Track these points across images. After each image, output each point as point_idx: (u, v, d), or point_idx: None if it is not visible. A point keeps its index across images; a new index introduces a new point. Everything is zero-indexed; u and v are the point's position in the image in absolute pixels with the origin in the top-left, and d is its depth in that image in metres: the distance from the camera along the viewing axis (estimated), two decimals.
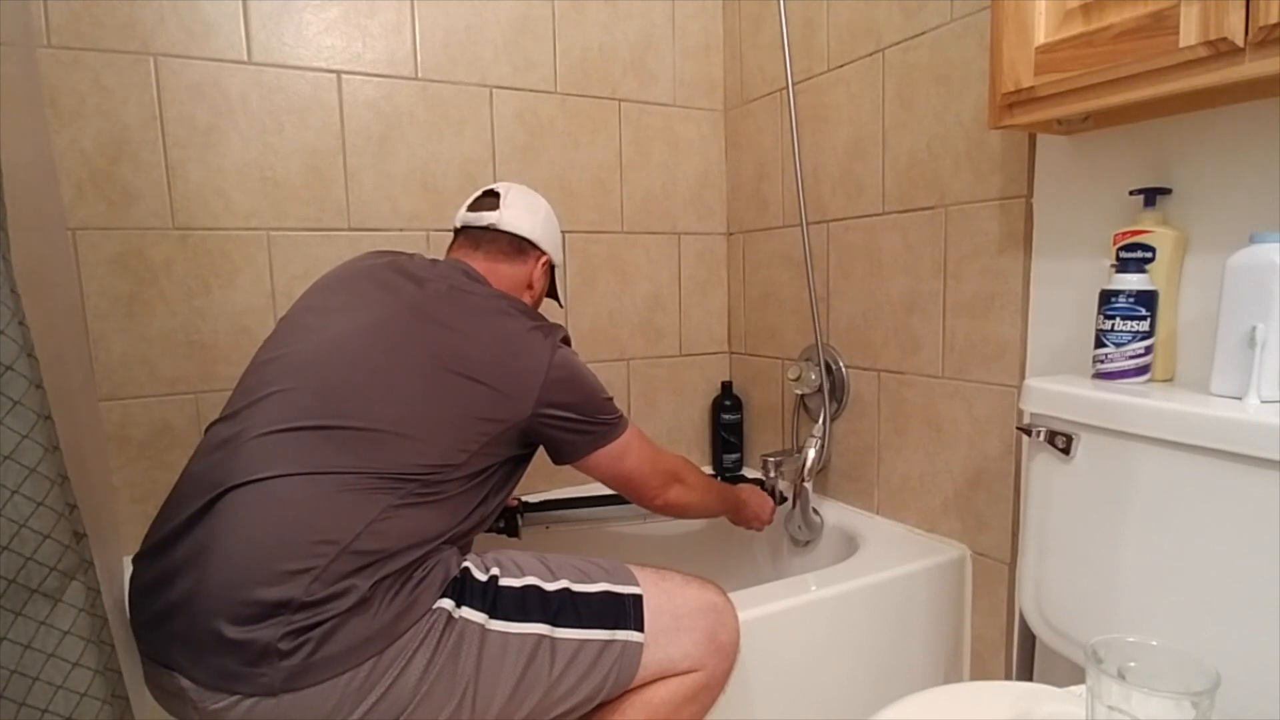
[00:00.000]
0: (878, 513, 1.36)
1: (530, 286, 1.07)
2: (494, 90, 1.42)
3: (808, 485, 1.39)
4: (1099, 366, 0.88)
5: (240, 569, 0.72)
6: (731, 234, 1.70)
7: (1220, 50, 0.68)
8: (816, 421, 1.42)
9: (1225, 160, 0.84)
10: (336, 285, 0.96)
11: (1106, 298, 0.87)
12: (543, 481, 1.53)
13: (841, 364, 1.40)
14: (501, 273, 1.03)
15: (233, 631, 0.70)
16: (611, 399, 0.99)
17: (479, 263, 1.03)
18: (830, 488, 1.47)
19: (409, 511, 0.79)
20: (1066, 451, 0.85)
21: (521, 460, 0.95)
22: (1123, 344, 0.86)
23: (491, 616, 0.80)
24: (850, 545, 1.29)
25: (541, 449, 0.97)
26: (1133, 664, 0.60)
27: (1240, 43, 0.67)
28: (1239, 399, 0.74)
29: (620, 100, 1.55)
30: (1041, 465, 0.89)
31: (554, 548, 1.16)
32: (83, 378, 0.75)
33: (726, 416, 1.67)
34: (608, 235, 1.57)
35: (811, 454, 1.38)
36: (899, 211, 1.26)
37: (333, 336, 0.87)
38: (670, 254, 1.65)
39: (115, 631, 0.65)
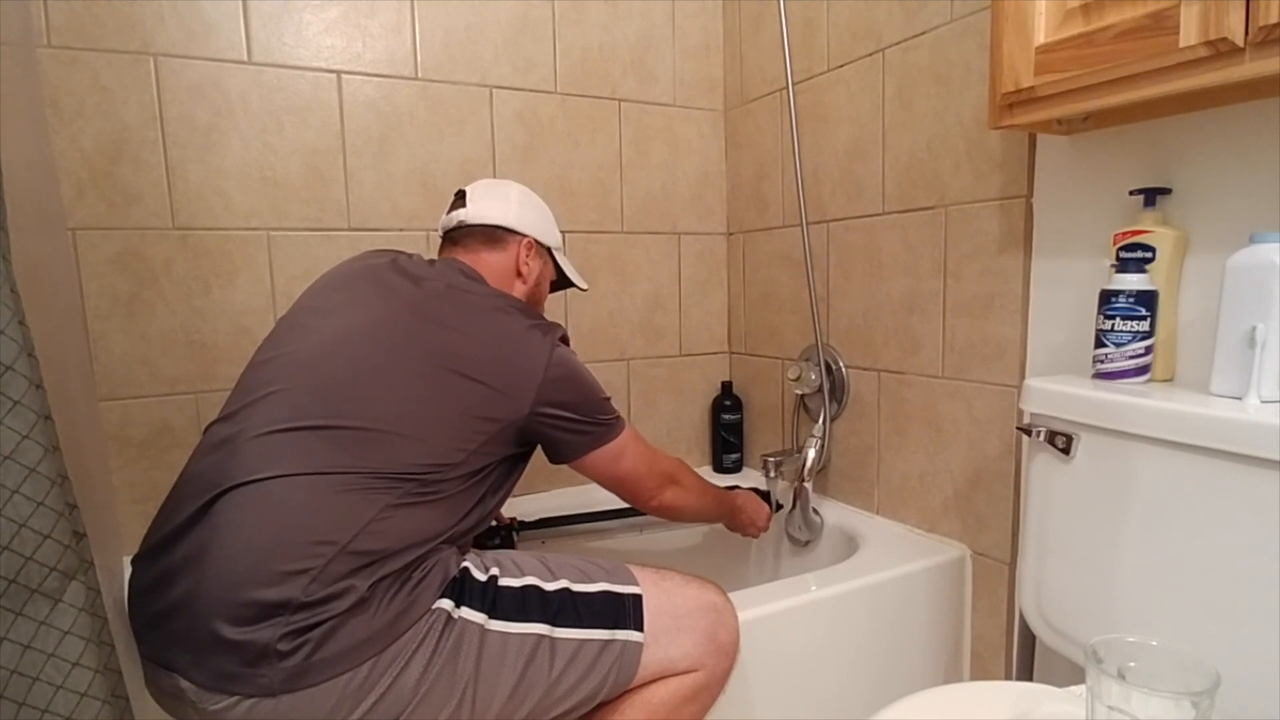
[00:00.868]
0: (878, 513, 1.36)
1: (519, 273, 1.06)
2: (494, 90, 1.42)
3: (808, 485, 1.39)
4: (1099, 366, 0.88)
5: (238, 570, 0.72)
6: (731, 234, 1.70)
7: (1220, 50, 0.68)
8: (816, 421, 1.42)
9: (1225, 160, 0.84)
10: (335, 285, 0.96)
11: (1106, 298, 0.87)
12: (543, 482, 1.53)
13: (841, 364, 1.40)
14: (487, 262, 1.03)
15: (231, 632, 0.70)
16: (609, 399, 0.98)
17: (466, 258, 1.03)
18: (830, 488, 1.47)
19: (407, 511, 0.79)
20: (1066, 451, 0.85)
21: (519, 460, 0.95)
22: (1123, 344, 0.86)
23: (491, 616, 0.80)
24: (850, 545, 1.29)
25: (539, 450, 0.96)
26: (1133, 664, 0.60)
27: (1240, 43, 0.67)
28: (1239, 399, 0.74)
29: (620, 100, 1.55)
30: (1041, 465, 0.89)
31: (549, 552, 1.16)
32: (83, 378, 0.75)
33: (726, 416, 1.67)
34: (608, 235, 1.57)
35: (811, 454, 1.38)
36: (899, 211, 1.26)
37: (331, 336, 0.87)
38: (670, 254, 1.65)
39: (115, 631, 0.65)
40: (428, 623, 0.76)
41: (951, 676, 1.20)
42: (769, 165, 1.56)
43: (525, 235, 1.06)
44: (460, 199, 1.07)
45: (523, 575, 0.85)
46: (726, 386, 1.69)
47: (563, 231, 1.51)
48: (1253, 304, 0.73)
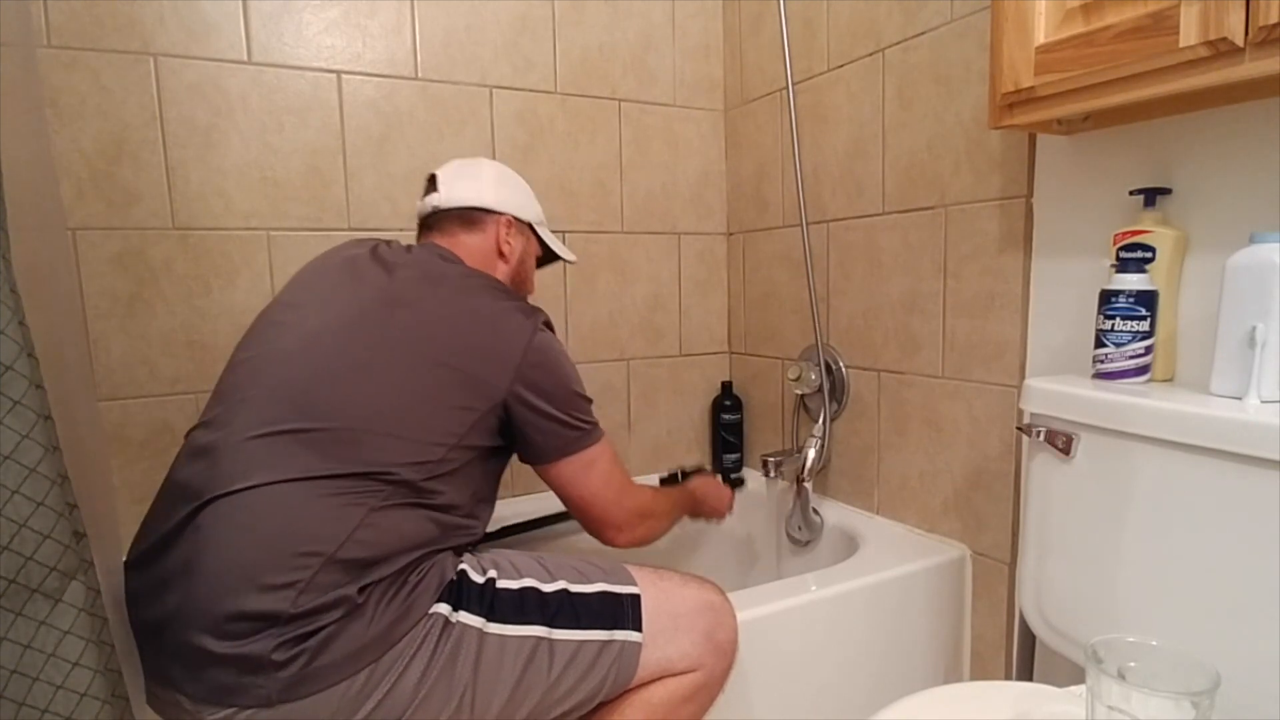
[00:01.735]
0: (878, 513, 1.36)
1: (501, 253, 1.03)
2: (494, 90, 1.42)
3: (808, 485, 1.39)
4: (1099, 366, 0.88)
5: (222, 585, 0.71)
6: (731, 234, 1.70)
7: (1220, 50, 0.68)
8: (816, 421, 1.42)
9: (1225, 160, 0.84)
10: (310, 280, 0.94)
11: (1106, 298, 0.87)
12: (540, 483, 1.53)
13: (841, 364, 1.40)
14: (466, 244, 1.00)
15: (219, 647, 0.69)
16: (590, 402, 0.95)
17: (444, 242, 1.00)
18: (830, 488, 1.47)
19: (393, 514, 0.78)
20: (1066, 451, 0.85)
21: (503, 454, 0.92)
22: (1123, 344, 0.86)
23: (489, 619, 0.79)
24: (850, 545, 1.29)
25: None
26: (1133, 664, 0.60)
27: (1240, 43, 0.67)
28: (1239, 399, 0.74)
29: (620, 100, 1.55)
30: (1041, 465, 0.89)
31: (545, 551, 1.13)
32: (83, 378, 0.75)
33: (726, 416, 1.67)
34: (608, 235, 1.57)
35: (811, 454, 1.38)
36: (899, 211, 1.26)
37: (304, 335, 0.85)
38: (670, 254, 1.65)
39: (115, 631, 0.65)
40: (424, 628, 0.76)
41: (951, 676, 1.20)
42: (769, 165, 1.56)
43: (503, 213, 1.03)
44: (432, 183, 1.04)
45: (521, 577, 0.84)
46: (726, 386, 1.69)
47: (563, 231, 1.51)
48: (1253, 304, 0.73)
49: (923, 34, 1.18)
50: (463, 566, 0.82)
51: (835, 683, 1.09)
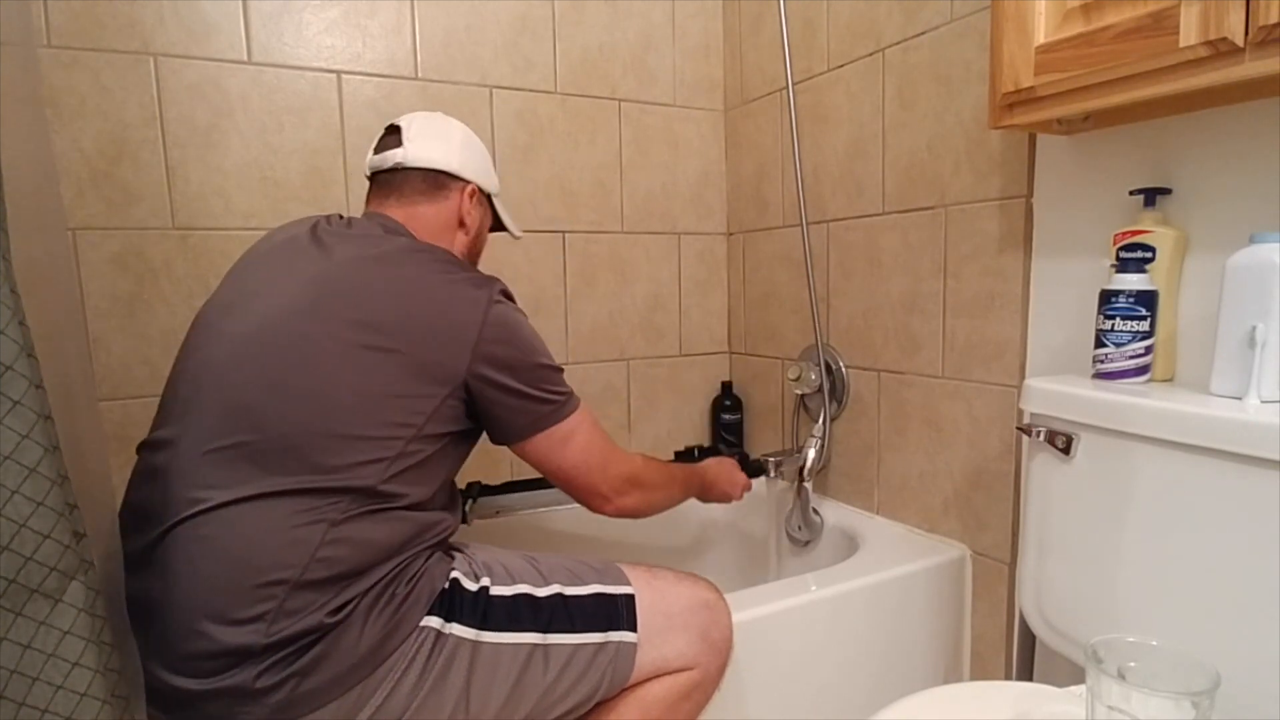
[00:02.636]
0: (878, 513, 1.36)
1: (462, 224, 0.96)
2: (494, 90, 1.42)
3: (808, 485, 1.39)
4: (1099, 366, 0.88)
5: (187, 624, 0.70)
6: (731, 234, 1.70)
7: (1220, 50, 0.68)
8: (816, 421, 1.42)
9: (1225, 160, 0.84)
10: (246, 270, 0.89)
11: (1106, 298, 0.87)
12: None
13: (841, 364, 1.40)
14: (423, 216, 0.93)
15: (196, 685, 0.69)
16: (560, 371, 0.89)
17: (396, 210, 0.93)
18: (830, 488, 1.47)
19: (359, 524, 0.74)
20: (1066, 451, 0.85)
21: (467, 436, 0.86)
22: (1123, 344, 0.86)
23: (483, 629, 0.79)
24: (850, 545, 1.29)
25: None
26: (1133, 664, 0.60)
27: (1240, 43, 0.67)
28: (1239, 399, 0.74)
29: (620, 100, 1.55)
30: (1041, 465, 0.89)
31: (537, 545, 1.12)
32: (83, 378, 0.74)
33: (726, 416, 1.67)
34: (608, 235, 1.57)
35: (811, 454, 1.38)
36: (899, 211, 1.26)
37: (240, 337, 0.79)
38: (670, 254, 1.65)
39: (115, 631, 0.65)
40: (415, 642, 0.75)
41: (951, 676, 1.20)
42: (769, 165, 1.56)
43: (469, 181, 0.97)
44: (395, 135, 0.95)
45: (515, 583, 0.83)
46: (726, 386, 1.69)
47: (563, 231, 1.51)
48: (1253, 304, 0.73)
49: (923, 34, 1.18)
50: (455, 575, 0.81)
51: (835, 683, 1.09)
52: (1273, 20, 0.64)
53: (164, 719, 0.72)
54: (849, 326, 1.38)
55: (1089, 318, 0.93)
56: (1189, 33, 0.69)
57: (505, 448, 0.89)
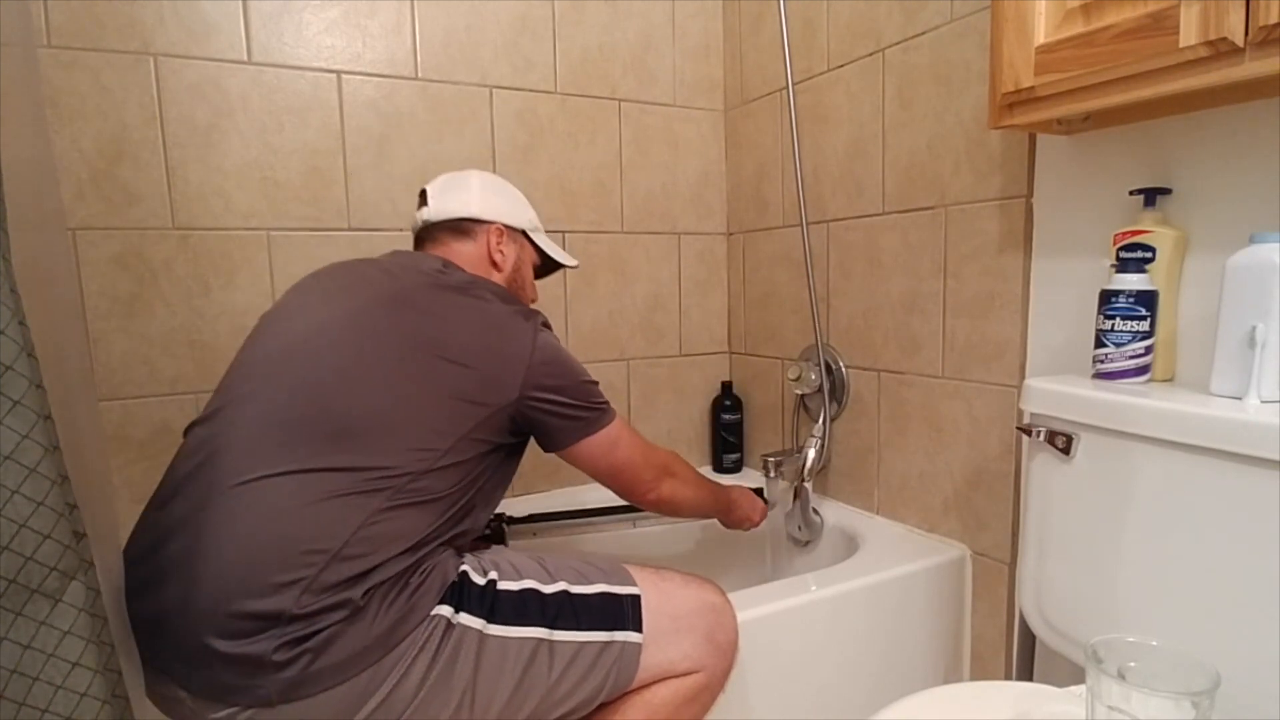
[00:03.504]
0: (878, 513, 1.36)
1: (494, 262, 1.04)
2: (494, 90, 1.42)
3: (808, 485, 1.39)
4: (1099, 366, 0.88)
5: (228, 582, 0.71)
6: (731, 234, 1.70)
7: (1220, 50, 0.68)
8: (816, 421, 1.42)
9: (1225, 160, 0.84)
10: (312, 284, 0.95)
11: (1106, 298, 0.87)
12: (543, 481, 1.53)
13: (841, 364, 1.40)
14: (461, 253, 1.02)
15: (224, 646, 0.69)
16: (597, 384, 0.97)
17: (438, 251, 1.02)
18: (830, 488, 1.47)
19: (397, 513, 0.77)
20: (1066, 451, 0.85)
21: (513, 451, 0.93)
22: (1123, 344, 0.86)
23: (490, 621, 0.79)
24: (850, 545, 1.29)
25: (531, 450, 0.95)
26: (1133, 664, 0.60)
27: (1240, 43, 0.67)
28: (1239, 399, 0.74)
29: (620, 100, 1.55)
30: (1041, 465, 0.89)
31: (546, 551, 1.14)
32: (83, 378, 0.74)
33: (726, 416, 1.67)
34: (608, 235, 1.57)
35: (811, 454, 1.38)
36: (899, 211, 1.26)
37: (307, 330, 0.86)
38: (670, 254, 1.65)
39: (115, 631, 0.65)
40: (426, 630, 0.76)
41: (951, 676, 1.20)
42: (769, 165, 1.56)
43: (493, 222, 1.04)
44: (423, 198, 1.06)
45: (521, 578, 0.84)
46: (726, 386, 1.69)
47: (563, 231, 1.51)
48: (1253, 304, 0.73)
49: (923, 34, 1.18)
50: (464, 568, 0.82)
51: (835, 683, 1.09)
52: (1273, 20, 0.64)
53: (173, 690, 0.73)
54: (849, 326, 1.38)
55: (1089, 318, 0.93)
56: (1189, 33, 0.69)
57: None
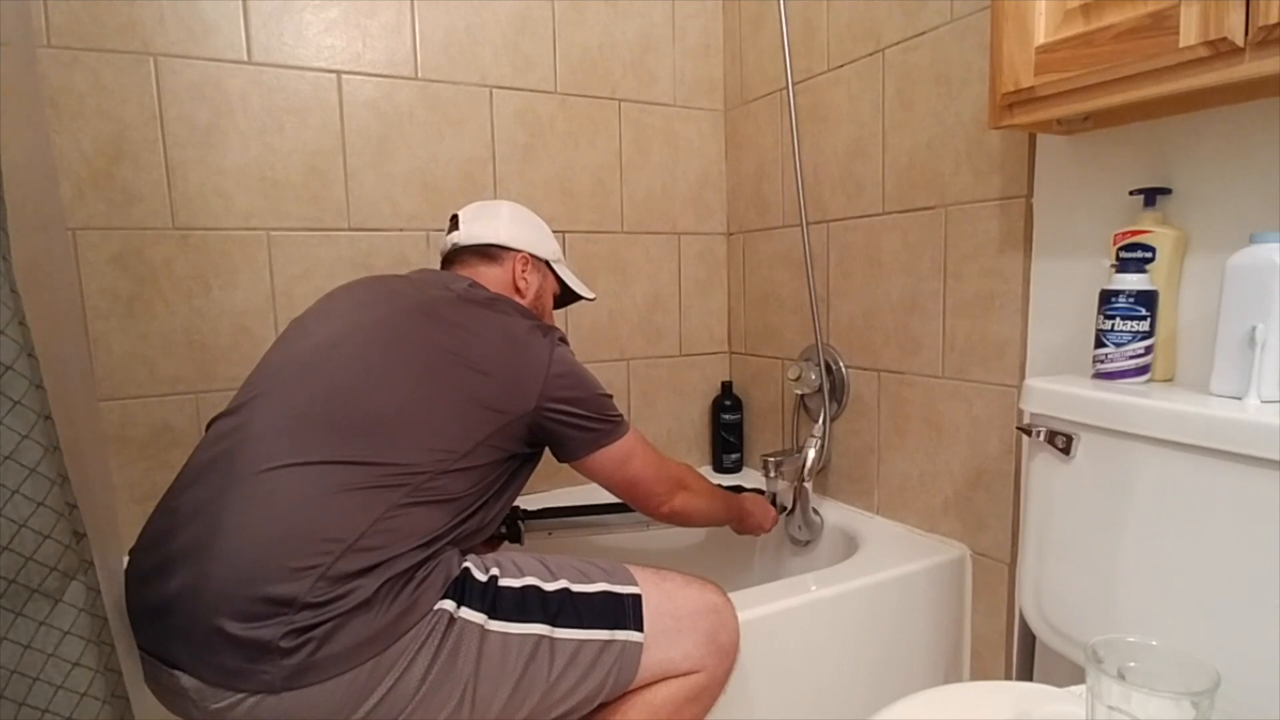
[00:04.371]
0: (878, 513, 1.36)
1: (518, 289, 1.08)
2: (494, 90, 1.42)
3: (808, 485, 1.39)
4: (1099, 366, 0.88)
5: (247, 565, 0.72)
6: (731, 234, 1.70)
7: (1220, 50, 0.68)
8: (816, 421, 1.42)
9: (1225, 160, 0.84)
10: (342, 293, 1.00)
11: (1106, 298, 0.87)
12: (543, 481, 1.53)
13: (841, 364, 1.40)
14: (487, 276, 1.06)
15: (237, 629, 0.70)
16: (612, 398, 0.99)
17: (465, 272, 1.07)
18: (830, 488, 1.47)
19: (414, 510, 0.79)
20: (1066, 451, 0.85)
21: (527, 460, 0.95)
22: (1123, 344, 0.86)
23: (491, 617, 0.80)
24: (850, 545, 1.29)
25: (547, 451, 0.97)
26: (1133, 664, 0.60)
27: (1240, 43, 0.67)
28: (1239, 399, 0.74)
29: (620, 100, 1.55)
30: (1041, 465, 0.89)
31: (557, 552, 1.14)
32: (83, 378, 0.75)
33: (726, 416, 1.67)
34: (608, 235, 1.57)
35: (811, 454, 1.38)
36: (899, 211, 1.26)
37: (336, 334, 0.89)
38: (670, 254, 1.65)
39: (115, 631, 0.65)
40: (429, 623, 0.76)
41: (951, 676, 1.21)
42: (769, 165, 1.56)
43: (519, 250, 1.09)
44: (454, 223, 1.11)
45: (522, 576, 0.85)
46: (726, 386, 1.69)
47: (562, 231, 1.51)
48: (1253, 304, 0.73)
49: (923, 34, 1.18)
50: (466, 564, 0.83)
51: (835, 683, 1.09)
52: (1273, 20, 0.64)
53: (175, 680, 0.73)
54: (849, 326, 1.38)
55: (1089, 318, 0.93)
56: (1189, 33, 0.69)
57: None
